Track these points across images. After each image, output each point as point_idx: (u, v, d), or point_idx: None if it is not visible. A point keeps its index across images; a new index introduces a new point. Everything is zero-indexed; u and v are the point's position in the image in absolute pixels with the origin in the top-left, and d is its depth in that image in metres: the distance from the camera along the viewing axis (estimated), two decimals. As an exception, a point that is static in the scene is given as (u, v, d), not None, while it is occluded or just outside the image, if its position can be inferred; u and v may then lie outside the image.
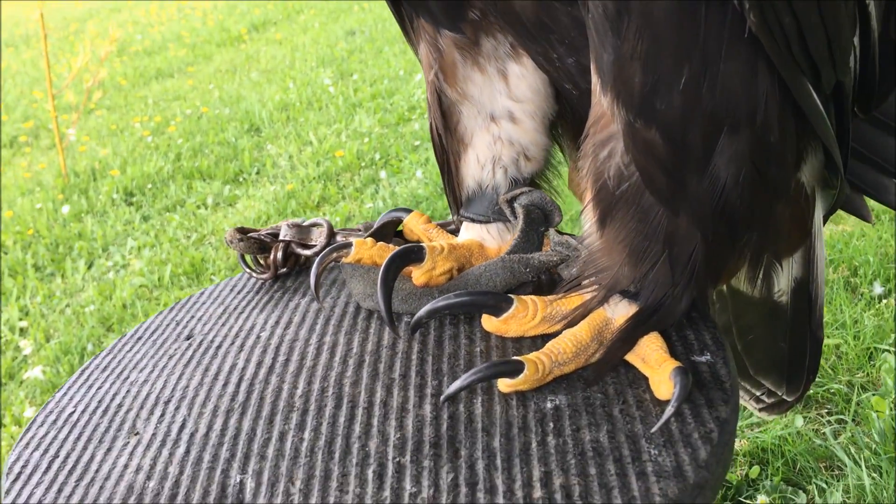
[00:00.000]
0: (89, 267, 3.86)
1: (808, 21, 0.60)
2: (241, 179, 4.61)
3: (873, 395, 2.02)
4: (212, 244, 3.87)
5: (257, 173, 4.65)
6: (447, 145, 0.82)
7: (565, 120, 0.85)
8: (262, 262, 0.96)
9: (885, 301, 2.39)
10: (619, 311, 0.70)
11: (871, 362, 2.17)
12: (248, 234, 0.94)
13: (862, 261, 2.55)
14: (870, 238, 2.67)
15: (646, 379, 0.67)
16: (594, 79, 0.65)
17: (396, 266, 0.75)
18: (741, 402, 1.04)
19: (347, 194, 4.13)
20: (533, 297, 0.73)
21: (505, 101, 0.80)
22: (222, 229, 3.96)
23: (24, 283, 3.73)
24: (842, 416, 2.01)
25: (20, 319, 3.44)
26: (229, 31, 8.60)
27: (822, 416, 2.04)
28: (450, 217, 0.93)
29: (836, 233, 2.74)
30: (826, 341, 2.23)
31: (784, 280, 0.88)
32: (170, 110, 6.13)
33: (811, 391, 2.09)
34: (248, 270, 0.95)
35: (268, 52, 7.57)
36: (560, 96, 0.83)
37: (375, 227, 0.90)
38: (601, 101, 0.65)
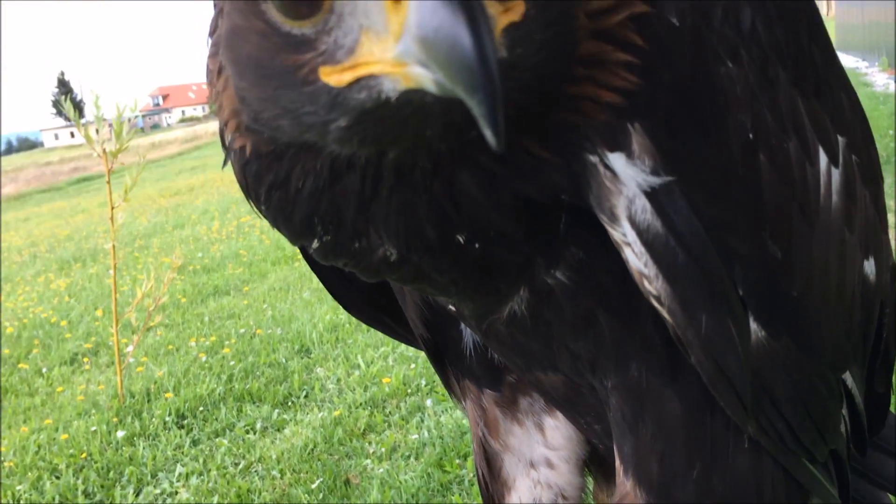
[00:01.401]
0: (137, 494, 3.91)
1: (798, 423, 0.70)
2: (289, 403, 4.72)
3: None
4: (258, 472, 3.92)
5: (306, 396, 4.77)
6: (492, 489, 0.91)
7: (596, 456, 0.94)
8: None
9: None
10: None
11: None
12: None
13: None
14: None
15: None
16: (617, 462, 0.75)
17: None
18: None
19: (393, 422, 4.19)
20: None
21: (542, 450, 0.90)
22: (269, 457, 4.02)
23: (73, 511, 3.79)
24: None
25: (66, 553, 3.47)
26: (284, 250, 9.06)
27: None
28: None
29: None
30: None
31: None
32: (224, 329, 6.39)
33: None
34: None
35: (320, 270, 7.93)
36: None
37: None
38: (624, 483, 0.74)
